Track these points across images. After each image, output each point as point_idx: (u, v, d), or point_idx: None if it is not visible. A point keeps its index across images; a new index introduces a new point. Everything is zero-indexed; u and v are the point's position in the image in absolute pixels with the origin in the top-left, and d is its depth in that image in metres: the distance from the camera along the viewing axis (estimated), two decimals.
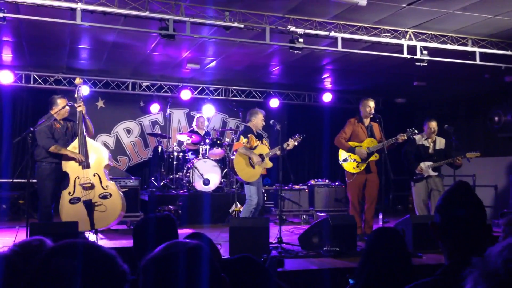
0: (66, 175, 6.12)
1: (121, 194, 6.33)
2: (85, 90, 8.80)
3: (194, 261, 1.32)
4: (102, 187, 6.12)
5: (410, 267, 2.23)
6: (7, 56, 8.58)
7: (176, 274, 1.28)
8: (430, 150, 7.09)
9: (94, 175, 6.13)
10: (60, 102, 6.20)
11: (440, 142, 7.18)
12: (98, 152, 6.31)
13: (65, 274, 1.18)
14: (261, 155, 6.66)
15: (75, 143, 6.14)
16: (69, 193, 6.02)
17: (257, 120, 6.82)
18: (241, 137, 6.81)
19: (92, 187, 6.06)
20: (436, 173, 6.99)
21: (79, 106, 6.14)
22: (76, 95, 6.29)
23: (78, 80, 6.38)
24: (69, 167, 6.08)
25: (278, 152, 6.51)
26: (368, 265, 2.25)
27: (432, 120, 7.18)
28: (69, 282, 1.18)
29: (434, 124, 7.12)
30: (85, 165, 6.08)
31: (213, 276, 1.33)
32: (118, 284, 1.28)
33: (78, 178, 6.04)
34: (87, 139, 6.21)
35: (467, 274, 0.95)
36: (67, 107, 6.25)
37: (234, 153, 6.80)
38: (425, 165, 6.99)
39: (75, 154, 6.05)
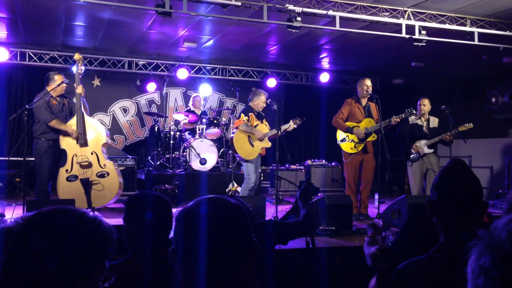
0: (63, 153, 6.10)
1: (119, 173, 6.32)
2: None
3: (227, 219, 1.31)
4: (100, 165, 6.11)
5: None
6: (2, 33, 8.47)
7: (204, 229, 1.27)
8: (424, 129, 7.13)
9: (92, 154, 6.10)
10: (57, 78, 6.13)
11: (434, 121, 7.21)
12: (96, 130, 6.27)
13: (42, 252, 1.17)
14: None
15: (73, 120, 6.10)
16: (67, 170, 6.00)
17: (258, 101, 6.85)
18: (242, 114, 6.84)
19: (89, 165, 6.05)
20: (431, 150, 7.02)
21: (79, 88, 6.07)
22: (75, 74, 6.20)
23: (77, 56, 6.20)
24: (67, 144, 6.05)
25: (279, 133, 6.53)
26: (406, 235, 2.44)
27: (424, 97, 7.22)
28: (47, 259, 1.17)
29: (426, 101, 7.15)
30: (83, 143, 6.05)
31: (244, 238, 1.31)
32: (102, 249, 1.28)
33: (76, 156, 6.02)
34: (85, 116, 6.17)
35: (471, 245, 0.94)
36: (64, 85, 6.19)
37: (235, 130, 6.82)
38: (420, 143, 7.03)
39: (72, 131, 6.01)
